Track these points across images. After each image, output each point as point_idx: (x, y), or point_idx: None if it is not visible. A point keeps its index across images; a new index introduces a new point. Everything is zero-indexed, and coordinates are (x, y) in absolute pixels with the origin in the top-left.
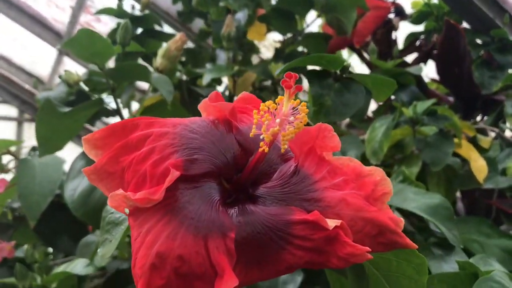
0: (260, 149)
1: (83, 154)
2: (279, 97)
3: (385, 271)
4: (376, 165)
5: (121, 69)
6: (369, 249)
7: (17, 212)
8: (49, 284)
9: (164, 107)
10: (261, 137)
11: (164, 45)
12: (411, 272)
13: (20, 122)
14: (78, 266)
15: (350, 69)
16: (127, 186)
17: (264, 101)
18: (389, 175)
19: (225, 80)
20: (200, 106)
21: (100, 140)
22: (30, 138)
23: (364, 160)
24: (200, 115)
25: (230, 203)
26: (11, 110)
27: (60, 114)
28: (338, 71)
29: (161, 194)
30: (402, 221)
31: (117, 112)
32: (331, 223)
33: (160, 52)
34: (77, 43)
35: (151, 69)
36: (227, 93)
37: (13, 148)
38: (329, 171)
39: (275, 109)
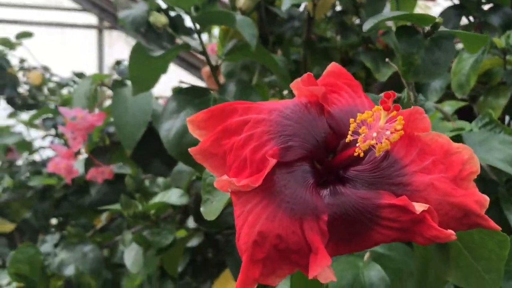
0: (355, 153)
1: (174, 96)
2: (376, 107)
3: (467, 242)
4: (462, 99)
5: (207, 15)
6: (453, 232)
7: (113, 137)
8: (149, 211)
9: (247, 48)
10: (357, 144)
11: None
12: (493, 246)
13: (100, 29)
14: (173, 196)
15: None
16: (229, 169)
17: (346, 26)
18: (474, 100)
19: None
20: (292, 86)
21: (202, 122)
22: (110, 45)
23: (449, 89)
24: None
25: (321, 184)
26: (91, 18)
27: (150, 57)
28: (428, 27)
29: (261, 181)
30: (487, 200)
31: (202, 53)
32: (419, 207)
33: None
34: None
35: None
36: (306, 13)
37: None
38: (419, 152)
39: (372, 119)
